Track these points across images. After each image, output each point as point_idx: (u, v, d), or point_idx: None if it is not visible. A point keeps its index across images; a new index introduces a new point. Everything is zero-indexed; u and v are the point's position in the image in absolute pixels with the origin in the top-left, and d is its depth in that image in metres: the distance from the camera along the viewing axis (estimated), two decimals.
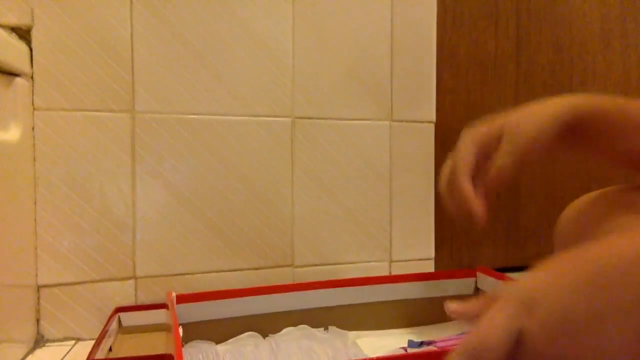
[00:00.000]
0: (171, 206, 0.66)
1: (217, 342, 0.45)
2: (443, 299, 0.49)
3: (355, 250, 0.75)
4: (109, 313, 0.61)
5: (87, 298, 0.62)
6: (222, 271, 0.68)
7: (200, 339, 0.45)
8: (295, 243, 0.72)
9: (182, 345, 0.42)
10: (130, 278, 0.64)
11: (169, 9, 0.64)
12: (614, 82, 0.99)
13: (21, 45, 0.58)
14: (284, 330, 0.47)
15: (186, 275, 0.66)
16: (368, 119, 0.75)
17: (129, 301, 0.64)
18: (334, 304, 0.48)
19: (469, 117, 0.96)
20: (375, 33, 0.75)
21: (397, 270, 0.77)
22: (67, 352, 0.58)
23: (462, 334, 0.44)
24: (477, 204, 0.39)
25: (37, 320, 0.60)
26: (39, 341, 0.60)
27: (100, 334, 0.53)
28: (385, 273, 0.77)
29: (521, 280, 0.28)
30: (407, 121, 0.77)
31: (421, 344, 0.40)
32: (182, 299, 0.43)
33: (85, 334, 0.62)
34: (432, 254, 0.80)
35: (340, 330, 0.47)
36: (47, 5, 0.59)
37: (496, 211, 0.92)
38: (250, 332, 0.46)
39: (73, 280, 0.61)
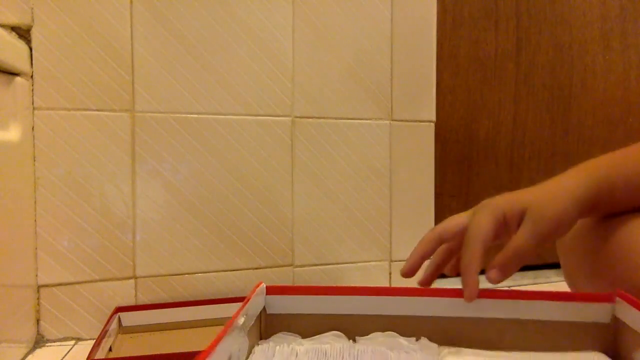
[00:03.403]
0: (171, 206, 0.65)
1: (303, 337, 0.44)
2: (576, 325, 0.42)
3: (355, 250, 0.75)
4: (109, 313, 0.61)
5: (87, 298, 0.62)
6: (222, 271, 0.68)
7: (287, 332, 0.45)
8: (295, 243, 0.72)
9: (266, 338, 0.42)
10: (130, 278, 0.64)
11: (169, 9, 0.64)
12: (614, 82, 0.99)
13: (21, 45, 0.58)
14: (371, 335, 0.46)
15: (186, 275, 0.66)
16: (368, 119, 0.75)
17: (129, 301, 0.64)
18: (423, 314, 0.46)
19: (469, 117, 0.97)
20: (375, 33, 0.75)
21: (397, 270, 0.77)
22: (67, 352, 0.58)
23: None
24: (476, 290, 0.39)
25: (37, 320, 0.60)
26: (39, 341, 0.60)
27: (100, 334, 0.53)
28: (385, 273, 0.77)
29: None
30: (407, 121, 0.77)
31: None
32: (271, 290, 0.43)
33: (85, 334, 0.62)
34: None
35: (431, 343, 0.45)
36: (47, 5, 0.59)
37: None
38: (335, 332, 0.45)
39: (73, 280, 0.61)
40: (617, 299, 0.41)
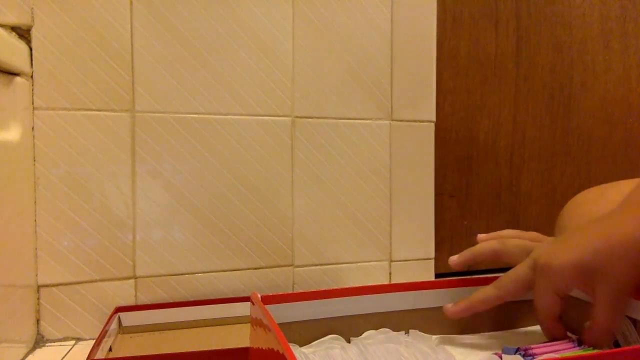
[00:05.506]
0: (171, 206, 0.65)
1: (300, 345, 0.43)
2: (525, 303, 0.47)
3: (355, 250, 0.75)
4: (109, 313, 0.61)
5: (87, 298, 0.62)
6: (222, 271, 0.68)
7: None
8: (295, 243, 0.72)
9: None
10: (130, 278, 0.64)
11: (169, 9, 0.64)
12: (614, 82, 0.99)
13: (21, 45, 0.58)
14: (365, 334, 0.45)
15: (186, 275, 0.66)
16: (368, 119, 0.75)
17: (129, 301, 0.64)
18: (413, 307, 0.46)
19: (469, 117, 0.97)
20: (375, 33, 0.75)
21: (397, 270, 0.78)
22: (67, 352, 0.58)
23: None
24: None
25: (37, 320, 0.60)
26: (39, 341, 0.60)
27: (100, 334, 0.53)
28: (385, 273, 0.77)
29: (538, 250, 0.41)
30: (407, 121, 0.77)
31: (517, 350, 0.39)
32: (266, 300, 0.41)
33: (85, 334, 0.62)
34: (432, 254, 0.80)
35: (423, 333, 0.46)
36: (47, 5, 0.59)
37: (496, 211, 0.92)
38: (333, 335, 0.44)
39: (73, 280, 0.61)
40: None
